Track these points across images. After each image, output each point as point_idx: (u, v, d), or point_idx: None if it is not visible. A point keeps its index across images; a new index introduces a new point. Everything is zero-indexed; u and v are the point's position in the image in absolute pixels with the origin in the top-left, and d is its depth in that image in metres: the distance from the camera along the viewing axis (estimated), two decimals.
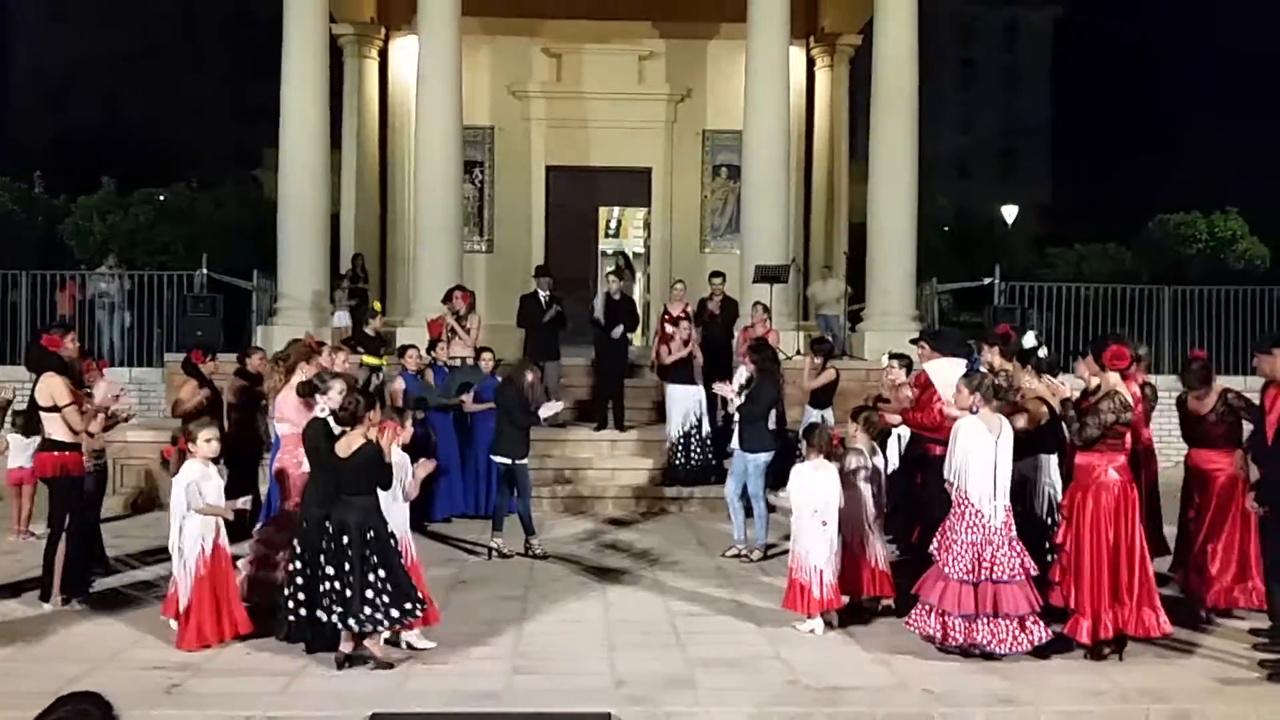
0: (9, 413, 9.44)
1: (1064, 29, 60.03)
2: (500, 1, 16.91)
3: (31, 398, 7.97)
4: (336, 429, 6.67)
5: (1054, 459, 7.52)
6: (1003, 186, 45.84)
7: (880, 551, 7.59)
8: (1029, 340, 8.85)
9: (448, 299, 12.73)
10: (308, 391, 7.19)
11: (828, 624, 7.23)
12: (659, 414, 13.13)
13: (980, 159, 56.22)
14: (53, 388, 7.70)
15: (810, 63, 19.12)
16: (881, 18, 15.02)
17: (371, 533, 6.35)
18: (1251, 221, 25.54)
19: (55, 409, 7.66)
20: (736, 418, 9.44)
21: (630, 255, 20.68)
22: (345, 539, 6.32)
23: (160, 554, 8.31)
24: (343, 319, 15.06)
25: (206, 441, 6.84)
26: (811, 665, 6.54)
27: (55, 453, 7.70)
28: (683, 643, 6.98)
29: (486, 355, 10.90)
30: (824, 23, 18.88)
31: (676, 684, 6.22)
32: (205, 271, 14.67)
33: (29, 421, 8.93)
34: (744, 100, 14.94)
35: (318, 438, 6.72)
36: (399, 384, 10.32)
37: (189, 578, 6.69)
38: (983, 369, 7.72)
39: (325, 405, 6.91)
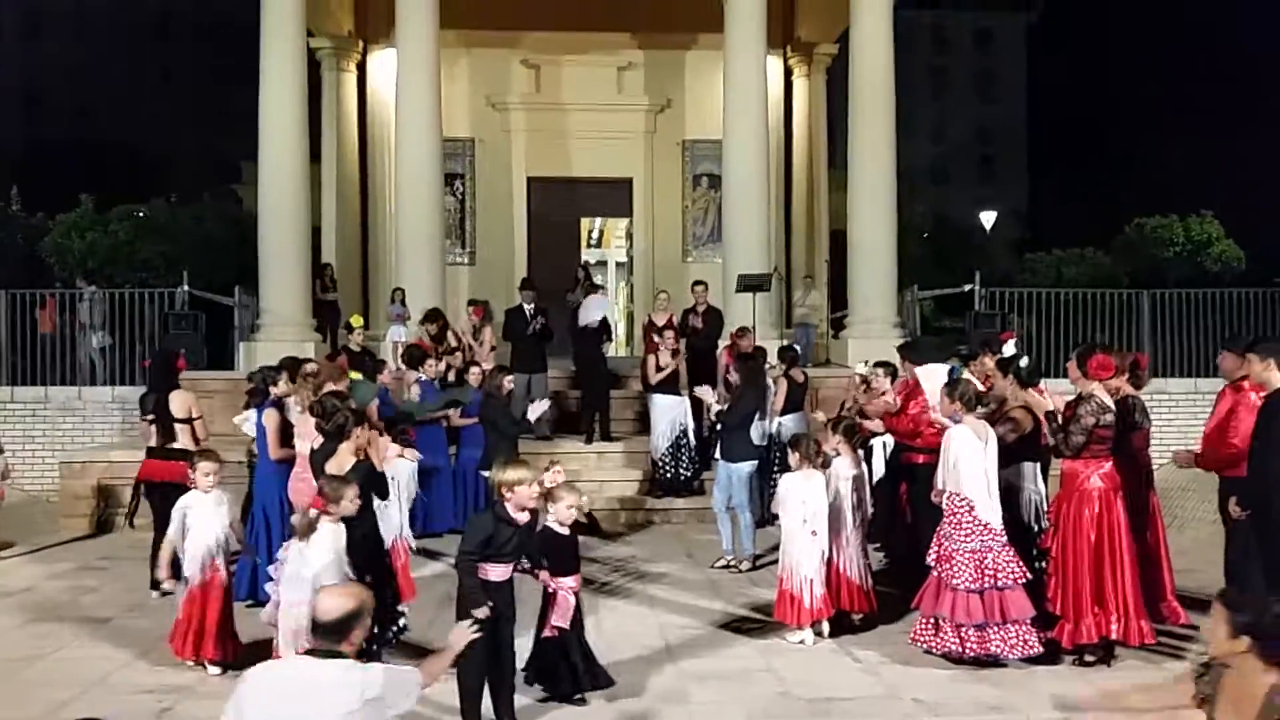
0: None
1: (1036, 35, 60.58)
2: (478, 13, 16.91)
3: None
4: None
5: (1037, 467, 7.58)
6: (980, 193, 46.13)
7: (858, 565, 7.56)
8: (1009, 349, 8.93)
9: (432, 318, 12.76)
10: (318, 414, 7.16)
11: (818, 634, 7.27)
12: (644, 425, 13.16)
13: (957, 166, 56.56)
14: None
15: (788, 72, 19.22)
16: (857, 27, 15.13)
17: (370, 549, 6.36)
18: (1227, 224, 25.80)
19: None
20: (719, 427, 9.46)
21: (589, 265, 20.37)
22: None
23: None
24: (399, 334, 14.09)
25: (205, 475, 6.81)
26: (802, 676, 6.57)
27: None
28: (674, 656, 7.00)
29: (474, 370, 10.88)
30: (800, 32, 18.99)
31: (669, 698, 6.24)
32: (186, 288, 14.60)
33: None
34: (723, 110, 15.01)
35: (328, 458, 6.70)
36: (374, 403, 10.24)
37: (181, 595, 6.78)
38: (969, 376, 7.78)
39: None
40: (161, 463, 8.49)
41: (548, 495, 5.93)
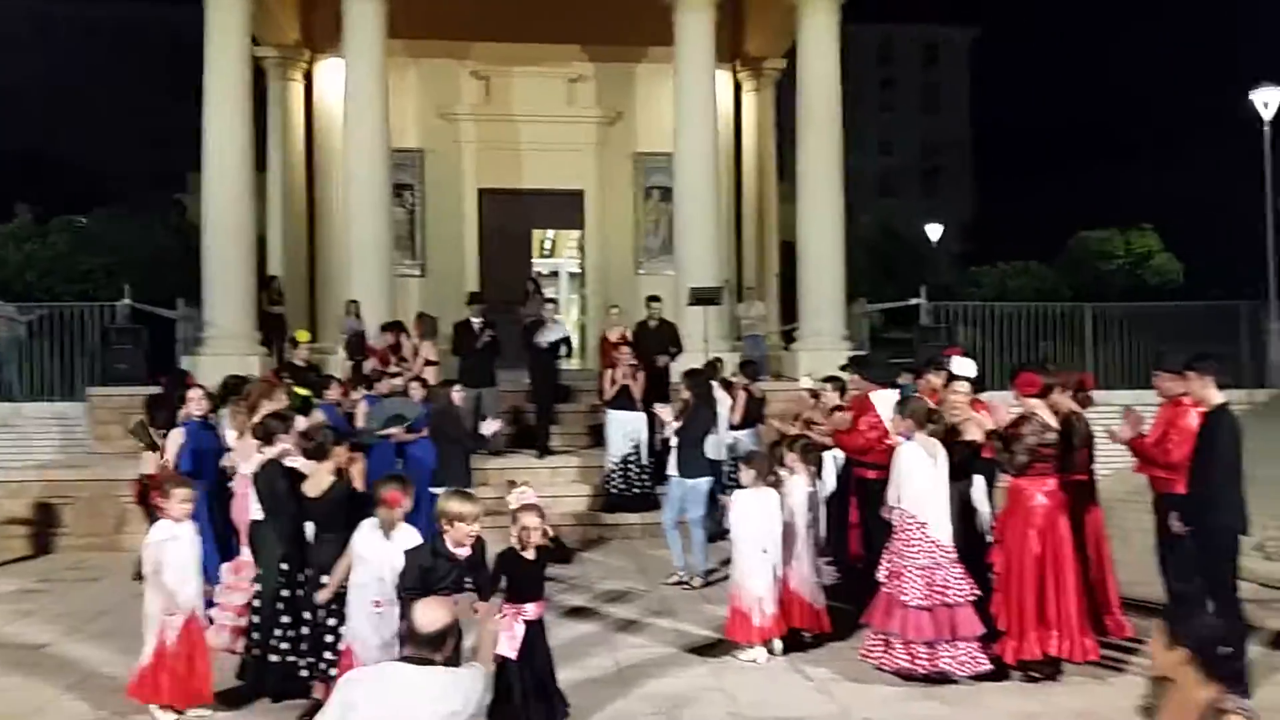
0: None
1: (982, 48, 61.58)
2: (427, 24, 16.79)
3: None
4: (304, 466, 6.54)
5: (983, 481, 7.66)
6: (926, 204, 46.73)
7: (810, 584, 7.56)
8: (963, 365, 9.05)
9: (390, 329, 12.66)
10: (260, 435, 7.03)
11: (770, 652, 7.27)
12: (596, 439, 13.14)
13: (903, 178, 57.28)
14: None
15: (737, 86, 19.33)
16: (804, 42, 15.28)
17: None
18: (1166, 237, 26.44)
19: None
20: (674, 442, 9.45)
21: (540, 277, 20.18)
22: (325, 579, 6.13)
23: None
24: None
25: (181, 502, 6.27)
26: (754, 696, 6.56)
27: None
28: (624, 677, 6.96)
29: (415, 384, 10.74)
30: (749, 47, 19.11)
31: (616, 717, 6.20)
32: (128, 301, 14.30)
33: None
34: (674, 123, 15.04)
35: (275, 479, 6.57)
36: (318, 415, 10.08)
37: (148, 650, 6.10)
38: (919, 394, 7.84)
39: (282, 447, 6.80)
40: None
41: (513, 516, 5.78)
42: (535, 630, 5.72)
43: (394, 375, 11.41)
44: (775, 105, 20.18)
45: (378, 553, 5.81)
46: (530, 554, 5.72)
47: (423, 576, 5.26)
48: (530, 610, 5.68)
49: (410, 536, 5.83)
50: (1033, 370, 6.98)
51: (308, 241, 18.43)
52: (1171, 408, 7.21)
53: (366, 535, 5.90)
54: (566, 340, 12.99)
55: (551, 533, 5.91)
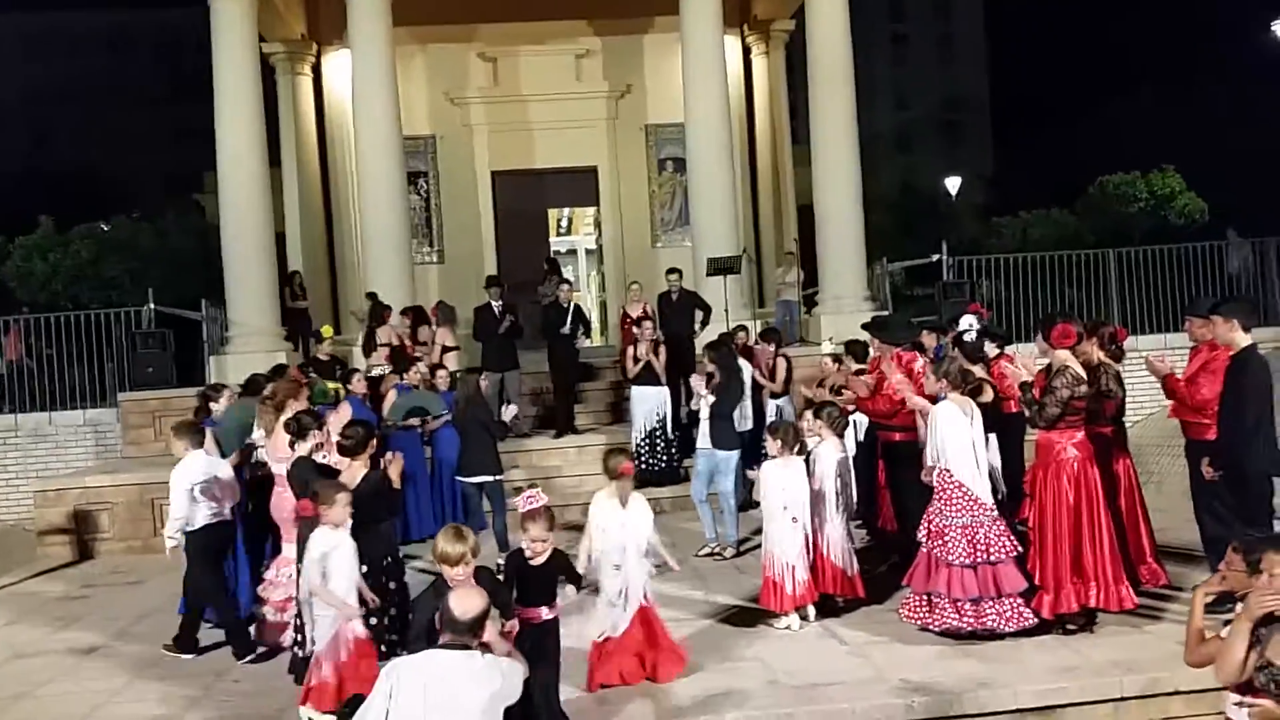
0: None
1: None
2: (432, 9, 16.73)
3: None
4: (337, 462, 6.61)
5: (994, 437, 7.62)
6: (945, 159, 46.20)
7: (842, 549, 7.53)
8: (965, 324, 9.03)
9: (410, 313, 12.79)
10: (293, 431, 7.11)
11: (804, 618, 7.29)
12: (619, 416, 13.17)
13: (920, 133, 56.56)
14: None
15: (746, 51, 19.15)
16: (812, 1, 15.07)
17: (388, 559, 6.32)
18: (1189, 176, 26.02)
19: None
20: (704, 414, 9.42)
21: (557, 256, 20.17)
22: (365, 569, 6.22)
23: None
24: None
25: (344, 506, 6.01)
26: (789, 663, 6.59)
27: None
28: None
29: (442, 373, 10.81)
30: (756, 10, 18.92)
31: (655, 691, 6.24)
32: (152, 306, 14.44)
33: None
34: (684, 93, 14.94)
35: (307, 475, 6.67)
36: (345, 410, 10.14)
37: (324, 670, 5.96)
38: (955, 353, 7.82)
39: (311, 443, 6.88)
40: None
41: (522, 524, 5.72)
42: (540, 634, 5.47)
43: (417, 359, 11.46)
44: (786, 67, 20.00)
45: (616, 521, 6.30)
46: (538, 561, 5.59)
47: (429, 628, 4.56)
48: (543, 613, 5.54)
49: (643, 506, 6.39)
50: (1066, 320, 6.89)
51: (326, 234, 18.50)
52: (1206, 351, 7.12)
53: (604, 506, 6.37)
54: (585, 321, 13.02)
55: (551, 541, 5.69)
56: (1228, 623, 4.13)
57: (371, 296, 13.84)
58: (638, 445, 11.46)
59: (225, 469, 7.58)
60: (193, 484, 7.25)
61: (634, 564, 6.31)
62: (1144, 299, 15.42)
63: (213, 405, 8.72)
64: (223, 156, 14.43)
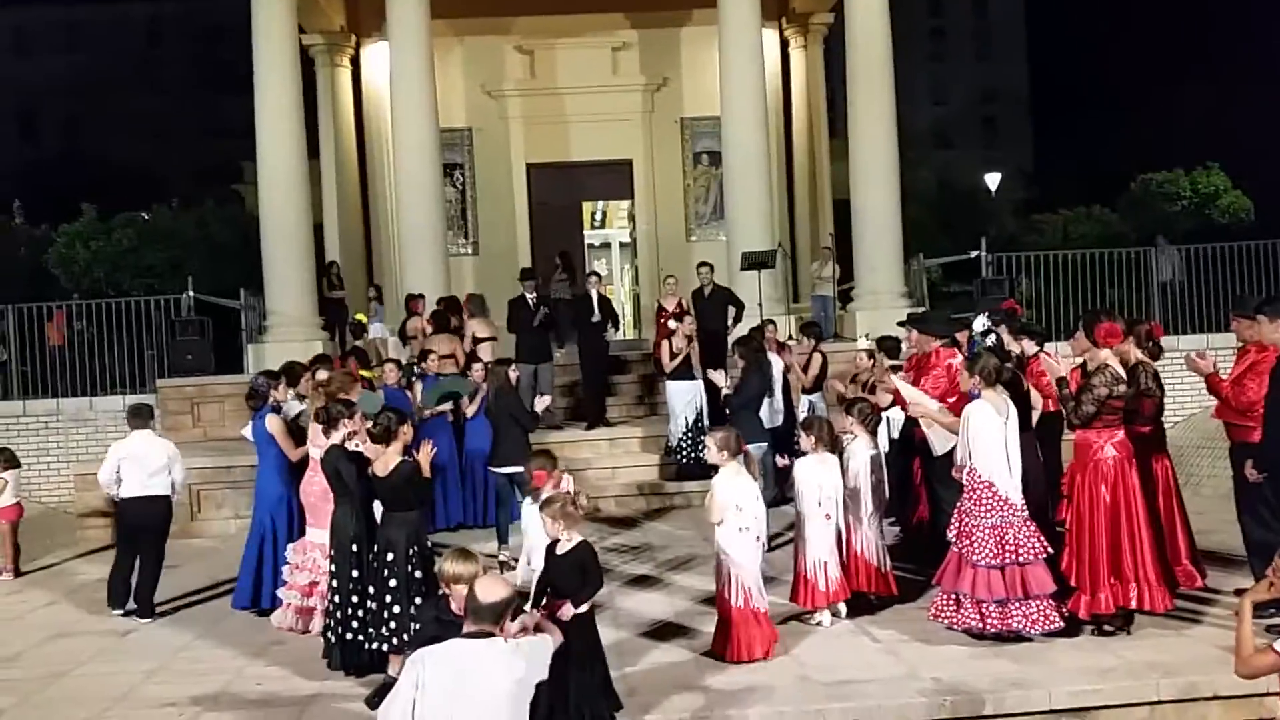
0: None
1: None
2: (470, 1, 16.81)
3: None
4: (368, 451, 6.66)
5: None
6: (984, 155, 45.76)
7: (875, 547, 7.49)
8: (979, 324, 8.90)
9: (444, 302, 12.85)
10: (323, 421, 7.17)
11: (835, 615, 7.25)
12: (651, 409, 13.17)
13: (959, 128, 55.98)
14: None
15: (784, 44, 19.05)
16: None
17: (415, 548, 6.37)
18: (1234, 175, 25.61)
19: None
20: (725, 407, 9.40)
21: (569, 254, 19.78)
22: (391, 556, 6.30)
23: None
24: (379, 330, 14.80)
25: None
26: (822, 660, 6.55)
27: None
28: (693, 644, 6.99)
29: (477, 365, 10.82)
30: (795, 3, 18.81)
31: (688, 686, 6.23)
32: (191, 294, 14.59)
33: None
34: (720, 86, 14.89)
35: (339, 463, 6.73)
36: (379, 397, 10.18)
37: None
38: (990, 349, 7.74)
39: (343, 432, 6.94)
40: None
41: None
42: (569, 630, 5.20)
43: (446, 357, 11.46)
44: (824, 61, 19.88)
45: (749, 496, 6.52)
46: (561, 549, 5.58)
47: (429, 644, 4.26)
48: (567, 609, 5.44)
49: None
50: (1110, 318, 6.77)
51: (363, 225, 18.63)
52: (1254, 352, 6.97)
53: (734, 482, 6.54)
54: (613, 314, 13.06)
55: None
56: (1270, 628, 4.06)
57: (375, 289, 13.96)
58: (680, 440, 11.43)
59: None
60: None
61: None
62: (1189, 298, 15.20)
63: (273, 393, 8.62)
64: (262, 148, 14.56)
